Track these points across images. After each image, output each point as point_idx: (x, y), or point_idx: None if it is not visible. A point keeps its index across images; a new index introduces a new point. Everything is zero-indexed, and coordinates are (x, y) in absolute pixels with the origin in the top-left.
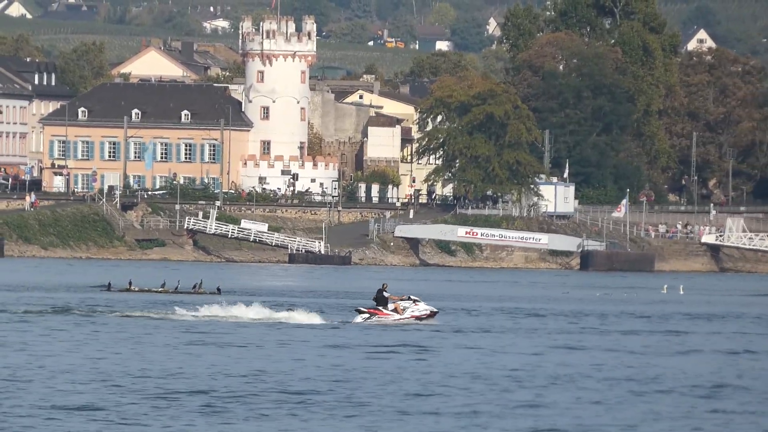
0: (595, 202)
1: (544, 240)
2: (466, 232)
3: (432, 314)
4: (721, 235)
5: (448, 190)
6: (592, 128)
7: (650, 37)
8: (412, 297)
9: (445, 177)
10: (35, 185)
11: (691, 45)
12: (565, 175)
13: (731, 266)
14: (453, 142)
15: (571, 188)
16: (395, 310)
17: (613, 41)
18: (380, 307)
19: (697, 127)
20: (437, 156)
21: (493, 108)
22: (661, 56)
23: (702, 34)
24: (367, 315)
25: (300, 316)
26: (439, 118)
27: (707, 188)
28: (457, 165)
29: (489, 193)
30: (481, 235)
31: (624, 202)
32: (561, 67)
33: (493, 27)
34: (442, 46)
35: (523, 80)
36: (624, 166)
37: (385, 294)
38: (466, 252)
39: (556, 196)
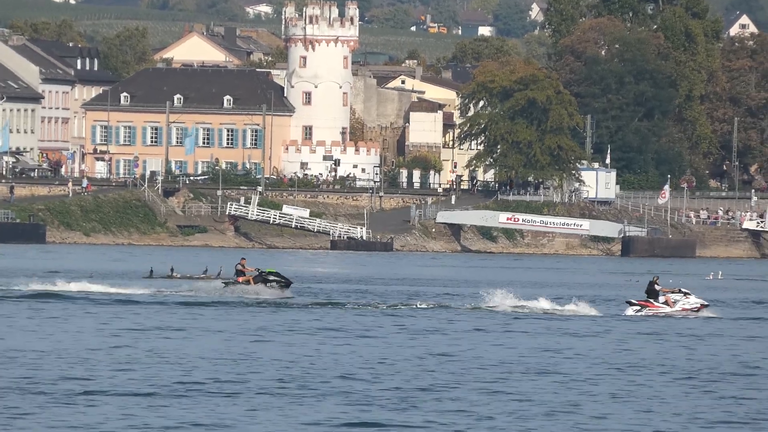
0: (636, 188)
1: (586, 226)
2: (508, 218)
3: (703, 307)
4: (762, 221)
5: (490, 175)
6: (633, 113)
7: (692, 23)
8: (683, 290)
9: (487, 162)
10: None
11: (734, 30)
12: (607, 160)
13: None
14: (495, 127)
15: (613, 174)
16: (666, 303)
17: (655, 26)
18: (651, 300)
19: (739, 113)
20: (479, 141)
21: (535, 93)
22: (703, 41)
23: (744, 19)
24: (638, 307)
25: (582, 308)
26: (481, 103)
27: (749, 174)
28: (498, 150)
29: (530, 179)
30: (523, 221)
31: (666, 187)
32: (603, 53)
33: (535, 12)
34: (484, 31)
35: (565, 65)
36: (665, 152)
37: (657, 287)
38: (508, 238)
39: (598, 182)
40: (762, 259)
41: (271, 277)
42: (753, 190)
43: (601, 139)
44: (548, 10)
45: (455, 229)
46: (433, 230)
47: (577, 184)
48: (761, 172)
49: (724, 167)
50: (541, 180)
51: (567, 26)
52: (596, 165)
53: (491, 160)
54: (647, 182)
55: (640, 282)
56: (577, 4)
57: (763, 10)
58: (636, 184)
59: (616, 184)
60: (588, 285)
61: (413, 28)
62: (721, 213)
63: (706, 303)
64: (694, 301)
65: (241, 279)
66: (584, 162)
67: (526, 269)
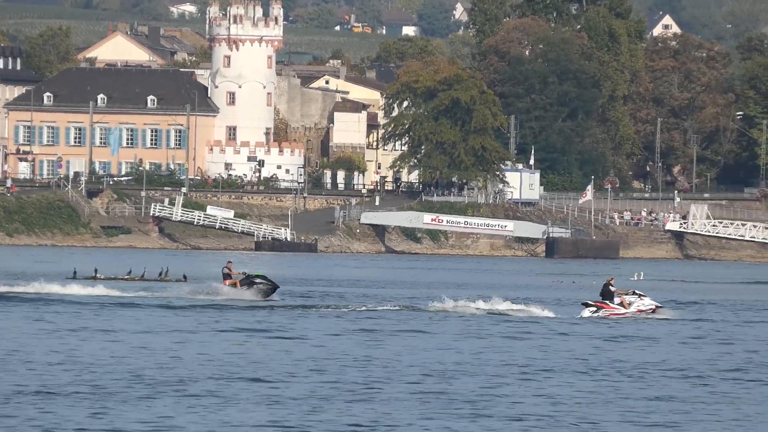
0: (560, 189)
1: (510, 227)
2: (432, 219)
3: (656, 309)
4: (685, 222)
5: (414, 176)
6: (557, 114)
7: (616, 23)
8: (636, 291)
9: (411, 163)
10: None
11: (657, 31)
12: (531, 161)
13: (695, 253)
14: (419, 127)
15: (537, 175)
16: (621, 305)
17: (579, 27)
18: (607, 301)
19: (662, 113)
20: (403, 142)
21: (459, 93)
22: (626, 42)
23: (667, 19)
24: (594, 309)
25: (535, 310)
26: (405, 103)
27: (672, 175)
28: (422, 151)
29: (454, 179)
30: (447, 222)
31: (589, 187)
32: (527, 53)
33: (459, 12)
34: (408, 31)
35: (490, 65)
36: (589, 153)
37: (611, 288)
38: (432, 239)
39: (522, 183)
40: (685, 260)
41: (258, 280)
42: (676, 191)
43: (525, 139)
44: (472, 10)
45: (379, 230)
46: (358, 231)
47: (501, 185)
48: (684, 173)
49: (648, 168)
50: (465, 181)
51: (491, 26)
52: (520, 166)
53: (415, 160)
54: (571, 183)
55: (564, 282)
56: (501, 4)
57: (686, 11)
58: (560, 185)
59: (540, 185)
60: (516, 286)
61: (337, 28)
62: (644, 214)
63: (659, 305)
64: (648, 302)
65: (227, 282)
66: (508, 163)
67: (454, 270)
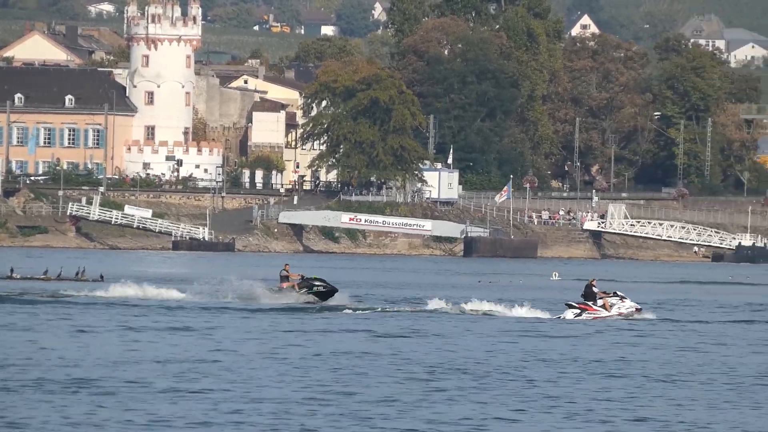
0: (478, 188)
1: (428, 226)
2: (350, 219)
3: (638, 311)
4: (603, 222)
5: (333, 176)
6: (476, 114)
7: (534, 23)
8: (618, 293)
9: (330, 163)
10: None
11: (575, 31)
12: (449, 161)
13: (613, 253)
14: (337, 127)
15: (455, 174)
16: (603, 306)
17: (497, 26)
18: (590, 303)
19: (580, 113)
20: (322, 141)
21: (377, 93)
22: (545, 42)
23: (586, 19)
24: (578, 311)
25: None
26: (324, 103)
27: (590, 174)
28: (341, 151)
29: (373, 179)
30: (365, 221)
31: (507, 187)
32: (446, 53)
33: (378, 12)
34: (327, 30)
35: (408, 65)
36: (508, 152)
37: (594, 289)
38: (350, 238)
39: (440, 182)
40: (603, 260)
41: (317, 283)
42: (594, 191)
43: (444, 139)
44: (391, 9)
45: (297, 230)
46: (276, 230)
47: (419, 185)
48: (602, 172)
49: (566, 168)
50: (383, 180)
51: (410, 26)
52: (439, 165)
53: (334, 160)
54: (489, 183)
55: (482, 282)
56: (420, 4)
57: (604, 11)
58: (478, 184)
59: (459, 184)
60: (439, 286)
61: (256, 28)
62: (562, 213)
63: (640, 307)
64: (629, 304)
65: (285, 285)
66: (427, 162)
67: (374, 270)
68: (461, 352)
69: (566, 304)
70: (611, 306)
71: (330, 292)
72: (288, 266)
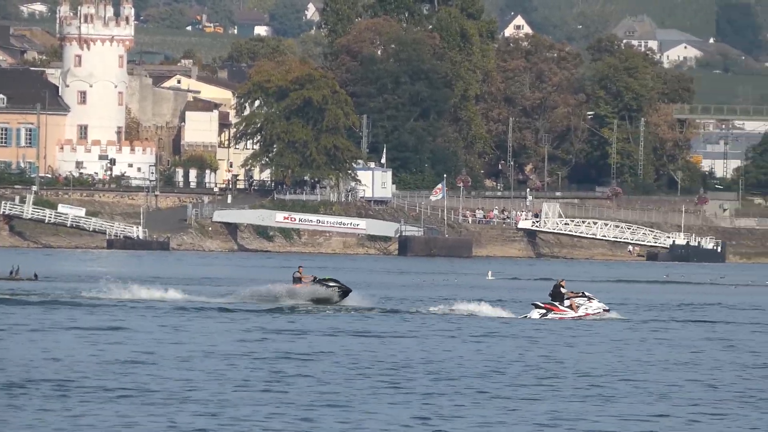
0: (412, 188)
1: (362, 225)
2: (284, 218)
3: (605, 312)
4: (537, 221)
5: (266, 175)
6: (409, 113)
7: (468, 23)
8: (586, 294)
9: (263, 162)
10: None
11: (509, 31)
12: (383, 160)
13: (547, 252)
14: (271, 126)
15: (389, 173)
16: (570, 307)
17: (431, 27)
18: (556, 303)
19: (514, 113)
20: (255, 141)
21: (311, 93)
22: (478, 42)
23: (519, 20)
24: (544, 311)
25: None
26: (257, 102)
27: (523, 173)
28: (275, 150)
29: (307, 178)
30: (299, 220)
31: (440, 185)
32: (379, 53)
33: (312, 12)
34: (260, 31)
35: (342, 65)
36: (441, 152)
37: (562, 290)
38: (284, 237)
39: (374, 182)
40: (537, 259)
41: (331, 283)
42: (528, 190)
43: (377, 138)
44: (324, 9)
45: (232, 229)
46: (210, 229)
47: (353, 184)
48: (536, 171)
49: (500, 167)
50: (317, 179)
51: (343, 26)
52: (372, 164)
53: (267, 159)
54: (423, 182)
55: (426, 282)
56: (354, 4)
57: (538, 12)
58: (412, 183)
59: (393, 183)
60: (378, 285)
61: (189, 28)
62: (496, 212)
63: (607, 308)
64: (596, 305)
65: (298, 286)
66: (360, 161)
67: (313, 269)
68: (408, 352)
69: (532, 304)
70: (578, 306)
71: (345, 292)
72: (301, 268)
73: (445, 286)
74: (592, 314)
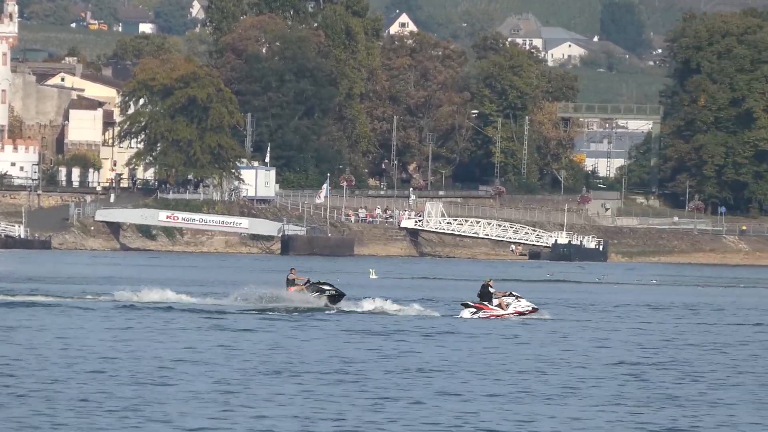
0: (296, 187)
1: (245, 224)
2: (168, 217)
3: (534, 311)
4: (420, 220)
5: (150, 174)
6: (294, 112)
7: (353, 21)
8: (513, 293)
9: (147, 161)
10: None
11: (393, 29)
12: (267, 159)
13: (430, 251)
14: (155, 125)
15: (273, 172)
16: (499, 306)
17: (316, 24)
18: (485, 303)
19: (398, 111)
20: (139, 140)
21: (195, 91)
22: (363, 40)
23: (404, 18)
24: (474, 310)
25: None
26: (142, 101)
27: (407, 172)
28: (159, 149)
29: (190, 177)
30: (182, 219)
31: (325, 186)
32: (264, 51)
33: (196, 10)
34: (145, 28)
35: (227, 63)
36: (325, 150)
37: (491, 290)
38: (167, 236)
39: (257, 180)
40: (420, 258)
41: (326, 287)
42: (411, 189)
43: (262, 137)
44: (209, 7)
45: (114, 228)
46: (92, 228)
47: (236, 183)
48: (420, 170)
49: (384, 166)
50: (201, 178)
51: (228, 24)
52: (256, 163)
53: (151, 158)
54: (307, 181)
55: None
56: (239, 2)
57: (422, 9)
58: (296, 182)
59: (276, 182)
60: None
61: (73, 25)
62: (379, 211)
63: (536, 306)
64: (525, 304)
65: (292, 289)
66: (244, 160)
67: (190, 267)
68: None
69: (462, 304)
70: (507, 305)
71: (340, 295)
72: (294, 270)
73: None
74: (521, 311)
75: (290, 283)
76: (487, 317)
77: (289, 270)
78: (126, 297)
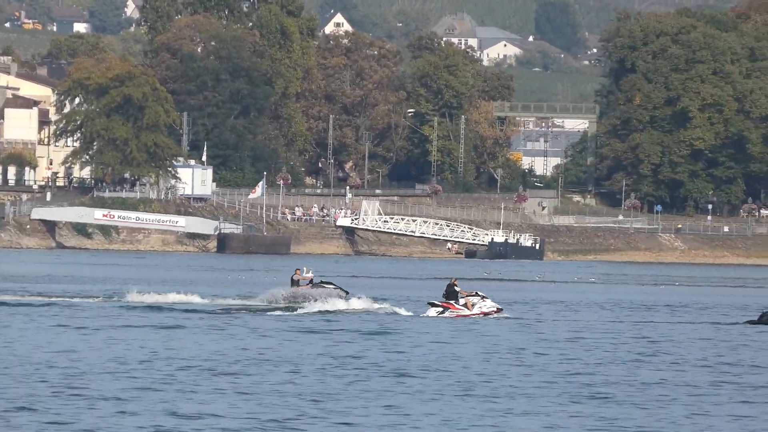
0: (232, 185)
1: (182, 223)
2: (104, 215)
3: (498, 311)
4: (356, 218)
5: (86, 172)
6: (230, 111)
7: (288, 21)
8: (479, 293)
9: (83, 159)
10: None
11: (329, 28)
12: (203, 157)
13: (366, 249)
14: (91, 124)
15: (209, 171)
16: (465, 305)
17: (251, 24)
18: (452, 302)
19: (334, 110)
20: (75, 138)
21: (131, 90)
22: (298, 39)
23: (339, 17)
24: (440, 309)
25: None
26: (77, 100)
27: (344, 171)
28: (95, 147)
29: (127, 175)
30: (119, 217)
31: (261, 183)
32: (199, 50)
33: (131, 9)
34: (80, 28)
35: (162, 63)
36: (261, 149)
37: (456, 289)
38: (104, 234)
39: (194, 179)
40: (356, 256)
41: (331, 287)
42: (348, 187)
43: (198, 136)
44: (144, 6)
45: (50, 226)
46: (28, 227)
47: (173, 181)
48: (356, 169)
49: (320, 164)
50: (137, 177)
51: (163, 23)
52: (192, 162)
53: (87, 157)
54: (243, 179)
55: (243, 278)
56: (173, 2)
57: (357, 9)
58: (232, 181)
59: (213, 181)
60: (195, 281)
61: (7, 24)
62: (316, 210)
63: (500, 307)
64: (490, 304)
65: (301, 289)
66: (180, 159)
67: (131, 266)
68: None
69: (429, 303)
70: (473, 305)
71: (345, 294)
72: (299, 271)
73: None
74: (486, 312)
75: (294, 283)
76: (453, 317)
77: (293, 270)
78: (141, 299)
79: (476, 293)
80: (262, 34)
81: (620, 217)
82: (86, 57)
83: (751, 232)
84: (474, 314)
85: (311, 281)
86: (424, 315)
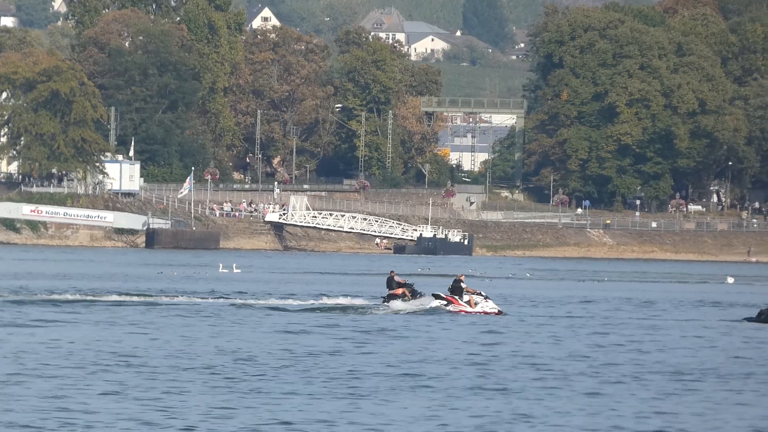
0: (160, 180)
1: (110, 218)
2: (31, 210)
3: (499, 313)
4: (284, 214)
5: (14, 167)
6: (158, 105)
7: (215, 15)
8: (482, 293)
9: (11, 155)
10: None
11: (256, 23)
12: (131, 152)
13: (295, 244)
14: (18, 119)
15: (137, 166)
16: (468, 303)
17: (178, 18)
18: (456, 297)
19: (262, 105)
20: (2, 134)
21: (58, 85)
22: (226, 34)
23: (267, 12)
24: (444, 302)
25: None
26: (4, 95)
27: (272, 166)
28: (22, 142)
29: (54, 171)
30: (46, 213)
31: (189, 178)
32: (127, 45)
33: (59, 3)
34: (6, 21)
35: (90, 57)
36: (189, 144)
37: (462, 285)
38: (32, 230)
39: (122, 174)
40: (285, 251)
41: (419, 291)
42: (276, 183)
43: (126, 131)
44: (71, 1)
45: None
46: None
47: (101, 176)
48: (284, 164)
49: (248, 159)
50: (65, 172)
51: (90, 17)
52: (120, 157)
53: (15, 152)
54: (171, 174)
55: (163, 273)
56: None
57: (285, 3)
58: (160, 176)
59: (141, 176)
60: (117, 276)
61: None
62: (244, 205)
63: (501, 309)
64: (492, 305)
65: (399, 291)
66: (108, 154)
67: (58, 261)
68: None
69: (433, 294)
70: (476, 304)
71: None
72: (393, 272)
73: (199, 279)
74: (488, 312)
75: (397, 285)
76: (456, 312)
77: (389, 272)
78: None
79: (480, 293)
80: (190, 28)
81: (547, 213)
82: (13, 51)
83: (679, 227)
84: (475, 312)
85: (404, 283)
86: (428, 306)
